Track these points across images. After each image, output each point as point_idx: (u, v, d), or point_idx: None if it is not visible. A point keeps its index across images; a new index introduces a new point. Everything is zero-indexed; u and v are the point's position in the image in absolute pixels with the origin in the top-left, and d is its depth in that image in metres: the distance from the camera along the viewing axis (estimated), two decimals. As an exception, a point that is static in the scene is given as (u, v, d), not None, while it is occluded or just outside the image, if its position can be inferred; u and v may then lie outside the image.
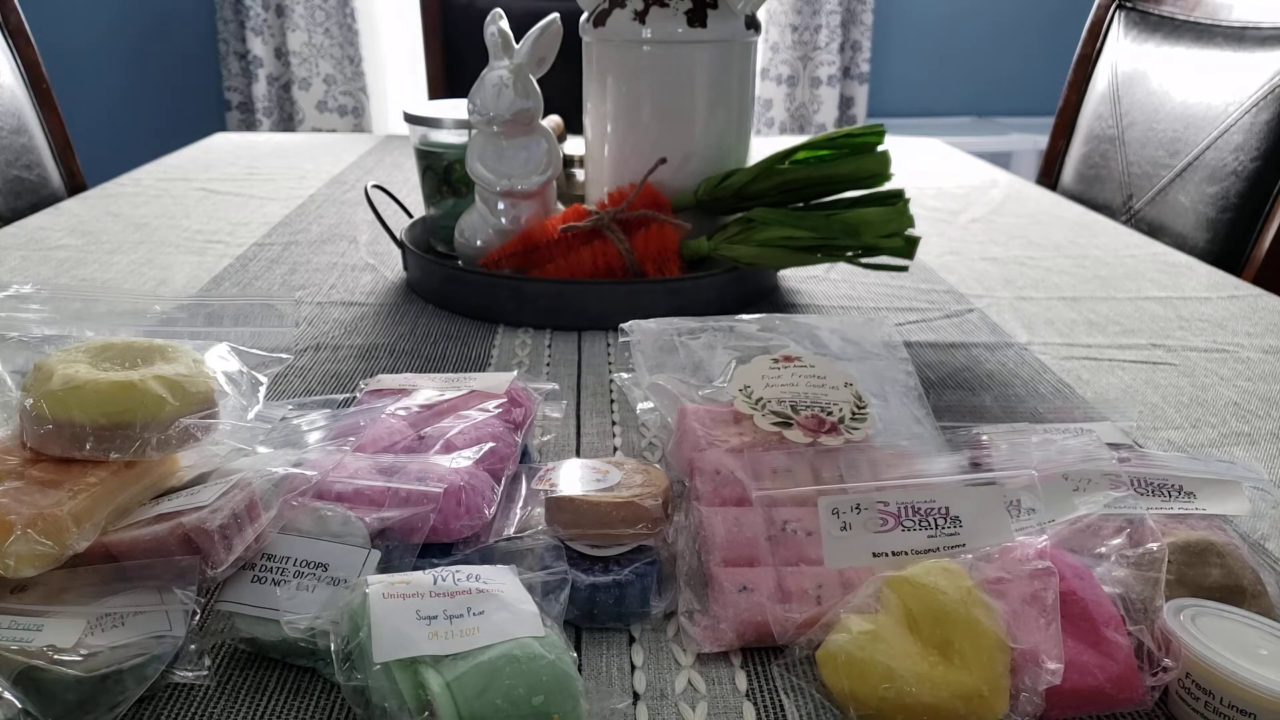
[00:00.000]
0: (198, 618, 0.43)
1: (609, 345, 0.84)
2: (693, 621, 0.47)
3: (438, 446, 0.54)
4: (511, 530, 0.51)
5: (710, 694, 0.44)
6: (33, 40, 1.47)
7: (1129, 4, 1.51)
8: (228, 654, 0.45)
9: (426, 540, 0.47)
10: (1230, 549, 0.47)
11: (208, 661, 0.43)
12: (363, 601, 0.40)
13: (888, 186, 0.87)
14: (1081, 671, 0.42)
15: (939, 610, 0.42)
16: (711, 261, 0.89)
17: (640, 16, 0.87)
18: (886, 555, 0.46)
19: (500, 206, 0.91)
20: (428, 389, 0.61)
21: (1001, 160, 2.59)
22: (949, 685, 0.40)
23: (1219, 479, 0.52)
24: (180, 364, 0.48)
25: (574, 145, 1.07)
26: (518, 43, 0.87)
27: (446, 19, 2.64)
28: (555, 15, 0.87)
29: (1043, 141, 1.94)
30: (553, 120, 0.99)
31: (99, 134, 2.81)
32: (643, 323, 0.65)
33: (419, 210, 1.06)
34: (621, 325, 0.66)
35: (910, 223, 0.85)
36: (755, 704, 0.43)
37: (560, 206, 0.95)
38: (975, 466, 0.54)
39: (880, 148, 0.87)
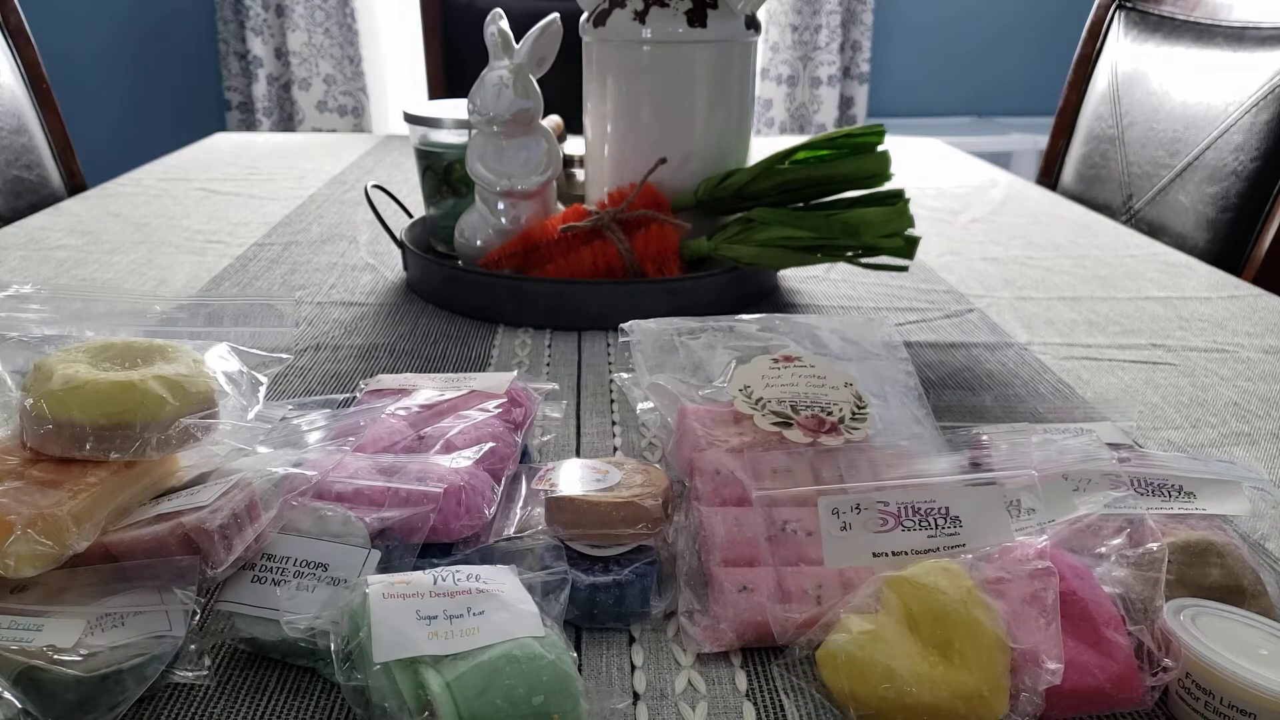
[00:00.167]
0: (198, 618, 0.43)
1: (609, 345, 0.84)
2: (693, 621, 0.47)
3: (438, 446, 0.54)
4: (511, 530, 0.51)
5: (710, 694, 0.44)
6: (33, 40, 1.47)
7: (1129, 4, 1.51)
8: (228, 654, 0.45)
9: (426, 540, 0.47)
10: (1230, 549, 0.47)
11: (208, 661, 0.43)
12: (363, 601, 0.40)
13: (888, 186, 0.87)
14: (1081, 671, 0.42)
15: (939, 610, 0.42)
16: (711, 261, 0.89)
17: (640, 16, 0.87)
18: (886, 555, 0.46)
19: (500, 206, 0.91)
20: (428, 389, 0.61)
21: (1001, 160, 2.59)
22: (949, 685, 0.40)
23: (1219, 479, 0.52)
24: (180, 364, 0.48)
25: (574, 145, 1.07)
26: (518, 43, 0.87)
27: (446, 19, 2.64)
28: (555, 15, 0.87)
29: (1043, 141, 1.94)
30: (553, 120, 0.99)
31: (99, 134, 2.81)
32: (643, 323, 0.65)
33: (419, 210, 1.06)
34: (621, 325, 0.66)
35: (910, 223, 0.85)
36: (755, 704, 0.43)
37: (560, 206, 0.95)
38: (975, 466, 0.54)
39: (880, 148, 0.87)
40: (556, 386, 0.67)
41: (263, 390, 0.53)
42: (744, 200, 0.90)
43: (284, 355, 0.55)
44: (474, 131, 0.90)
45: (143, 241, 1.11)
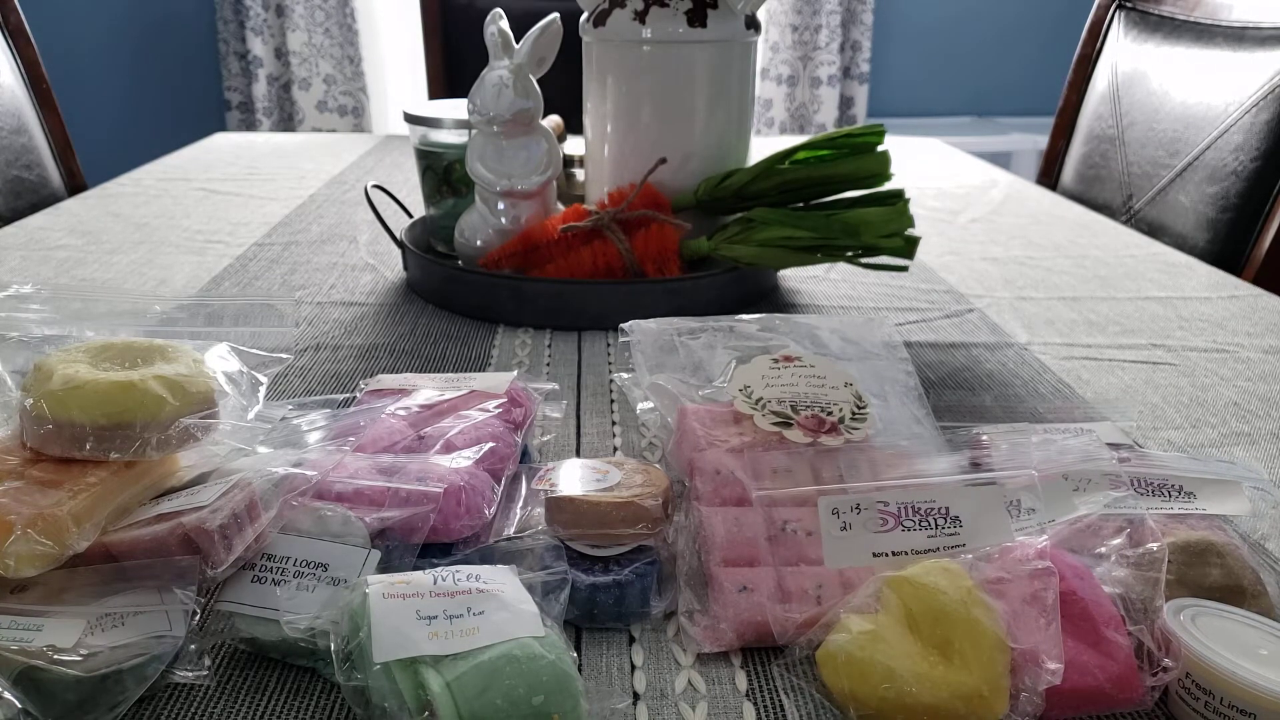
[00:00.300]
0: (198, 618, 0.43)
1: (609, 345, 0.84)
2: (693, 621, 0.47)
3: (438, 446, 0.54)
4: (511, 530, 0.51)
5: (710, 694, 0.44)
6: (33, 40, 1.47)
7: (1129, 4, 1.51)
8: (228, 654, 0.45)
9: (426, 540, 0.47)
10: (1230, 549, 0.47)
11: (208, 661, 0.43)
12: (363, 601, 0.40)
13: (888, 186, 0.87)
14: (1081, 671, 0.42)
15: (939, 610, 0.42)
16: (711, 261, 0.89)
17: (640, 16, 0.87)
18: (886, 555, 0.46)
19: (500, 206, 0.91)
20: (428, 389, 0.61)
21: (1001, 160, 2.59)
22: (949, 685, 0.40)
23: (1219, 479, 0.52)
24: (180, 364, 0.48)
25: (574, 145, 1.07)
26: (518, 43, 0.87)
27: (446, 19, 2.64)
28: (555, 15, 0.87)
29: (1043, 141, 1.94)
30: (553, 120, 0.99)
31: (99, 134, 2.81)
32: (643, 323, 0.65)
33: (419, 210, 1.06)
34: (621, 325, 0.66)
35: (910, 223, 0.85)
36: (755, 704, 0.43)
37: (560, 206, 0.95)
38: (975, 466, 0.54)
39: (880, 148, 0.87)
40: (556, 386, 0.67)
41: (263, 390, 0.53)
42: (744, 200, 0.90)
43: (284, 355, 0.55)
44: (474, 131, 0.90)
45: (143, 241, 1.11)
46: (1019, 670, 0.41)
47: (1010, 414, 0.69)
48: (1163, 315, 0.92)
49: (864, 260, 0.88)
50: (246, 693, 0.43)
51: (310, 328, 0.86)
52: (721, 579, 0.47)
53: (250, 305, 0.61)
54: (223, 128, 2.96)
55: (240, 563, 0.44)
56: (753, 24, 0.91)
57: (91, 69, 2.92)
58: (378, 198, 1.01)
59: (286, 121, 3.00)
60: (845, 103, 3.05)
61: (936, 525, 0.47)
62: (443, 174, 1.00)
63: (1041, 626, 0.42)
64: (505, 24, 0.87)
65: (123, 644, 0.40)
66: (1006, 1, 3.10)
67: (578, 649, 0.47)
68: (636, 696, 0.44)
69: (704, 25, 0.87)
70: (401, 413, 0.58)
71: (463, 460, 0.52)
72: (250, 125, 2.97)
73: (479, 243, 0.92)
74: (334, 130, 2.95)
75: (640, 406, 0.62)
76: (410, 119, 1.00)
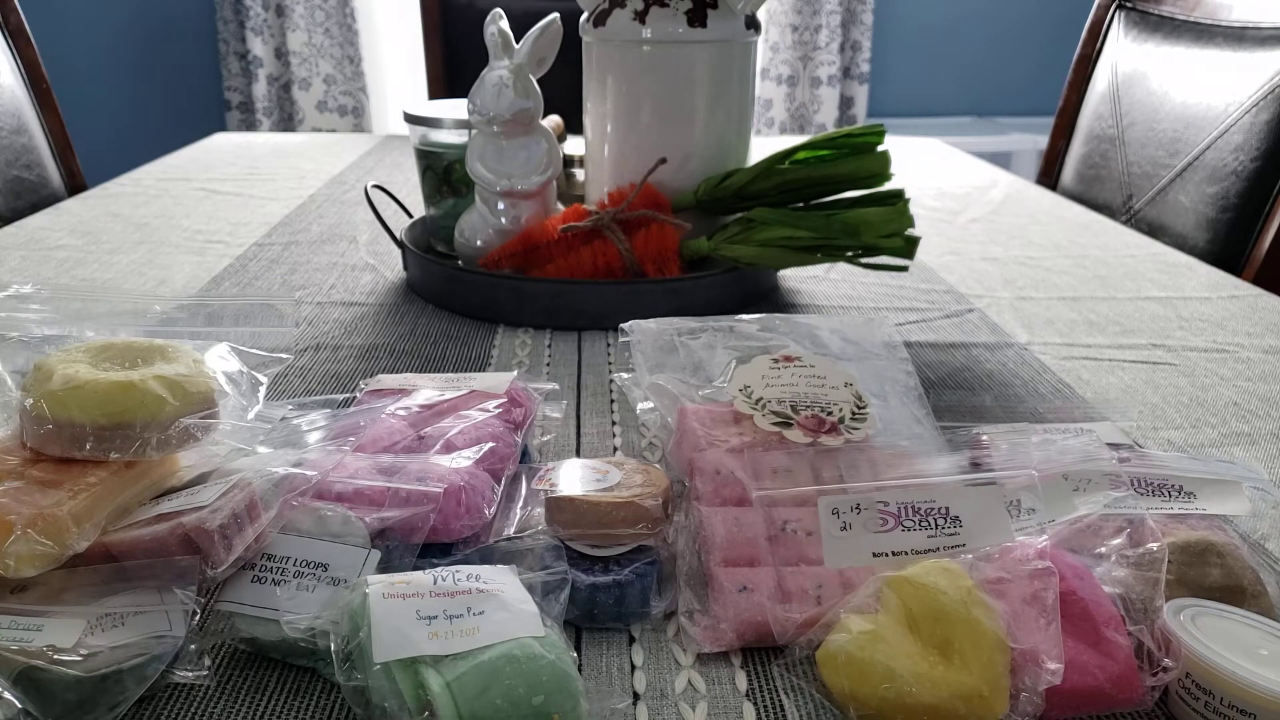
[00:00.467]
0: (198, 618, 0.43)
1: (609, 345, 0.84)
2: (693, 621, 0.47)
3: (438, 446, 0.54)
4: (511, 530, 0.51)
5: (710, 694, 0.44)
6: (33, 40, 1.47)
7: (1129, 4, 1.51)
8: (228, 654, 0.45)
9: (426, 540, 0.47)
10: (1230, 549, 0.47)
11: (208, 661, 0.43)
12: (363, 601, 0.40)
13: (888, 186, 0.87)
14: (1081, 671, 0.42)
15: (939, 610, 0.42)
16: (711, 261, 0.89)
17: (640, 16, 0.87)
18: (886, 555, 0.46)
19: (500, 206, 0.91)
20: (428, 389, 0.61)
21: (1001, 160, 2.59)
22: (949, 685, 0.40)
23: (1219, 479, 0.52)
24: (180, 364, 0.48)
25: (574, 145, 1.07)
26: (518, 43, 0.87)
27: (446, 19, 2.64)
28: (555, 15, 0.87)
29: (1043, 141, 1.94)
30: (553, 120, 0.99)
31: (99, 134, 2.81)
32: (643, 323, 0.65)
33: (419, 210, 1.06)
34: (621, 325, 0.66)
35: (910, 223, 0.85)
36: (755, 704, 0.43)
37: (560, 206, 0.95)
38: (975, 466, 0.54)
39: (880, 148, 0.87)
40: (556, 386, 0.67)
41: (263, 390, 0.53)
42: (744, 200, 0.90)
43: (284, 355, 0.55)
44: (474, 131, 0.90)
45: (143, 241, 1.11)
46: (1019, 670, 0.41)
47: (1010, 414, 0.69)
48: (1163, 315, 0.92)
49: (864, 260, 0.88)
50: (246, 693, 0.43)
51: (310, 328, 0.86)
52: (721, 579, 0.47)
53: (250, 305, 0.61)
54: (223, 128, 2.96)
55: (240, 563, 0.44)
56: (753, 24, 0.91)
57: (91, 69, 2.92)
58: (378, 198, 1.01)
59: (286, 121, 3.00)
60: (845, 103, 3.05)
61: (936, 525, 0.47)
62: (443, 174, 1.00)
63: (1041, 626, 0.42)
64: (505, 24, 0.87)
65: (123, 644, 0.40)
66: (1006, 2, 3.10)
67: (578, 649, 0.47)
68: (636, 696, 0.44)
69: (704, 25, 0.87)
70: (401, 413, 0.58)
71: (463, 460, 0.52)
72: (250, 125, 2.97)
73: (479, 243, 0.92)
74: (334, 130, 2.95)
75: (640, 406, 0.62)
76: (410, 119, 1.00)
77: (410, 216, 1.05)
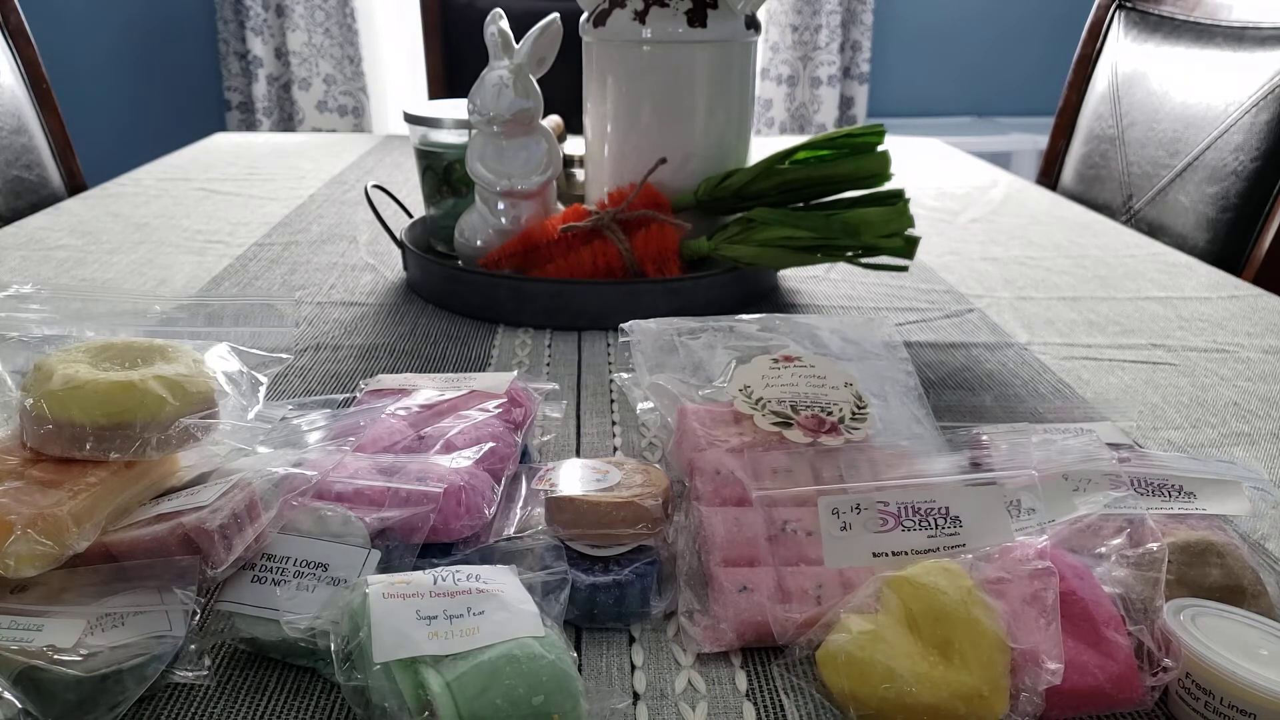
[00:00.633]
0: (198, 618, 0.43)
1: (609, 345, 0.84)
2: (693, 621, 0.47)
3: (438, 446, 0.54)
4: (511, 530, 0.51)
5: (710, 694, 0.44)
6: (33, 40, 1.47)
7: (1129, 4, 1.51)
8: (228, 654, 0.45)
9: (426, 540, 0.47)
10: (1230, 549, 0.47)
11: (208, 661, 0.43)
12: (363, 601, 0.40)
13: (888, 186, 0.87)
14: (1081, 671, 0.42)
15: (939, 610, 0.42)
16: (711, 261, 0.89)
17: (640, 16, 0.87)
18: (886, 555, 0.46)
19: (500, 206, 0.91)
20: (428, 389, 0.61)
21: (1001, 160, 2.59)
22: (949, 685, 0.40)
23: (1219, 479, 0.52)
24: (180, 364, 0.48)
25: (574, 145, 1.07)
26: (518, 43, 0.87)
27: (446, 19, 2.64)
28: (555, 15, 0.87)
29: (1043, 141, 1.94)
30: (553, 120, 0.99)
31: (99, 134, 2.81)
32: (643, 323, 0.65)
33: (419, 210, 1.06)
34: (621, 325, 0.66)
35: (910, 223, 0.85)
36: (755, 704, 0.43)
37: (560, 206, 0.95)
38: (975, 466, 0.54)
39: (880, 148, 0.87)
40: (556, 386, 0.67)
41: (263, 390, 0.53)
42: (744, 200, 0.90)
43: (284, 355, 0.55)
44: (474, 131, 0.90)
45: (143, 241, 1.11)
46: (1019, 670, 0.41)
47: (1010, 414, 0.69)
48: (1163, 315, 0.92)
49: (864, 260, 0.88)
50: (246, 693, 0.43)
51: (310, 328, 0.86)
52: (721, 579, 0.47)
53: (250, 305, 0.61)
54: (223, 128, 2.96)
55: (240, 563, 0.44)
56: (753, 24, 0.91)
57: (91, 69, 2.92)
58: (378, 198, 1.01)
59: (286, 121, 3.00)
60: (845, 103, 3.05)
61: (936, 525, 0.47)
62: (443, 174, 1.00)
63: (1041, 626, 0.42)
64: (505, 24, 0.87)
65: (123, 644, 0.40)
66: (1006, 2, 3.10)
67: (578, 649, 0.47)
68: (636, 696, 0.44)
69: (704, 25, 0.87)
70: (401, 413, 0.58)
71: (463, 460, 0.52)
72: (250, 125, 2.97)
73: (479, 243, 0.92)
74: (334, 130, 2.95)
75: (640, 406, 0.62)
76: (410, 119, 1.00)
77: (410, 216, 1.05)
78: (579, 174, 1.09)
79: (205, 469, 0.48)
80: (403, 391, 0.61)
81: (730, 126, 0.92)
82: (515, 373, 0.64)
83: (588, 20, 0.91)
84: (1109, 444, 0.56)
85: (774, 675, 0.45)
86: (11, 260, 1.03)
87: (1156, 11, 1.45)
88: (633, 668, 0.45)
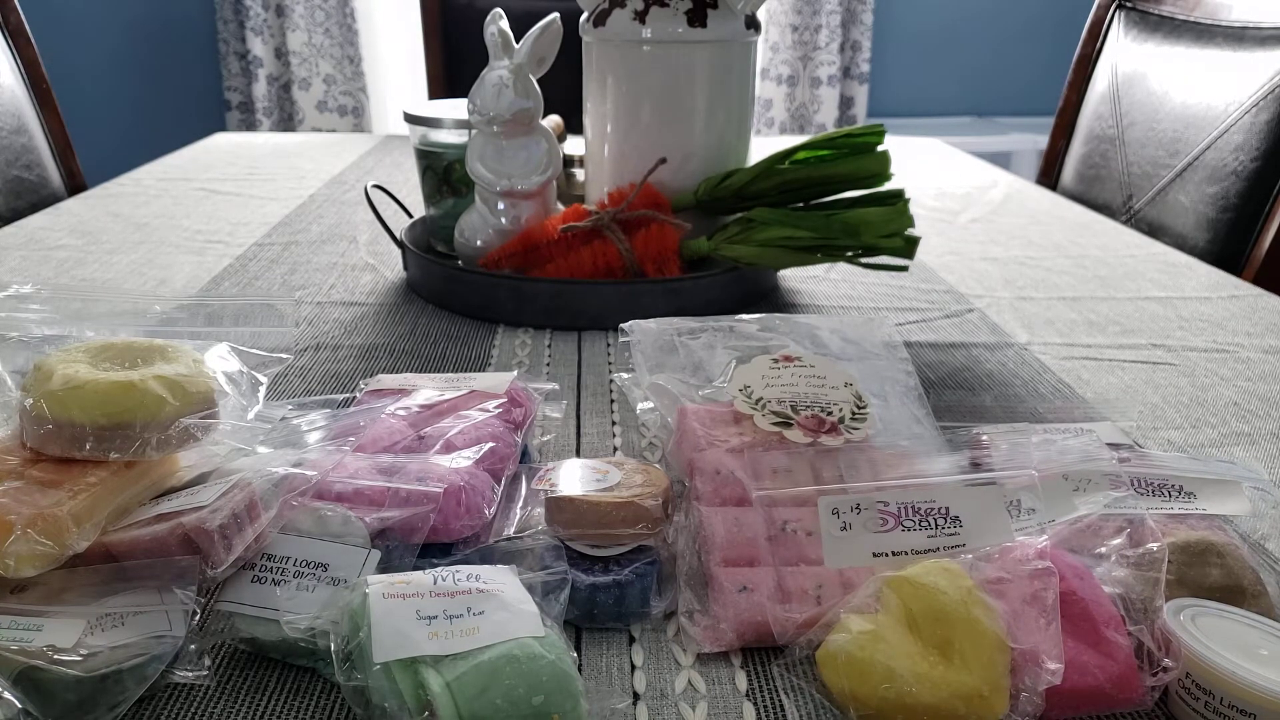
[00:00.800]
0: (198, 618, 0.43)
1: (609, 345, 0.84)
2: (693, 621, 0.47)
3: (438, 446, 0.54)
4: (511, 530, 0.51)
5: (710, 694, 0.44)
6: (33, 40, 1.47)
7: (1129, 4, 1.51)
8: (228, 654, 0.45)
9: (426, 540, 0.47)
10: (1230, 549, 0.47)
11: (208, 661, 0.43)
12: (363, 601, 0.40)
13: (888, 186, 0.87)
14: (1081, 671, 0.42)
15: (939, 610, 0.42)
16: (711, 261, 0.89)
17: (640, 16, 0.87)
18: (886, 555, 0.46)
19: (500, 206, 0.91)
20: (428, 389, 0.61)
21: (1001, 160, 2.59)
22: (949, 685, 0.40)
23: (1219, 479, 0.52)
24: (180, 364, 0.48)
25: (574, 145, 1.07)
26: (518, 43, 0.87)
27: (446, 19, 2.64)
28: (555, 15, 0.87)
29: (1043, 141, 1.94)
30: (553, 120, 0.99)
31: (99, 134, 2.81)
32: (643, 323, 0.65)
33: (419, 210, 1.06)
34: (621, 325, 0.66)
35: (910, 223, 0.85)
36: (755, 704, 0.43)
37: (560, 206, 0.95)
38: (975, 466, 0.54)
39: (880, 148, 0.87)
40: (556, 386, 0.67)
41: (263, 390, 0.53)
42: (744, 200, 0.90)
43: (284, 355, 0.55)
44: (474, 131, 0.90)
45: (143, 241, 1.11)
46: (1019, 670, 0.41)
47: (1010, 414, 0.69)
48: (1163, 315, 0.92)
49: (864, 260, 0.88)
50: (246, 693, 0.43)
51: (310, 328, 0.86)
52: (721, 579, 0.47)
53: (250, 305, 0.61)
54: (223, 128, 2.96)
55: (240, 563, 0.44)
56: (753, 24, 0.91)
57: (91, 69, 2.92)
58: (378, 198, 1.01)
59: (286, 121, 3.00)
60: (845, 103, 3.05)
61: (936, 525, 0.47)
62: (443, 174, 1.00)
63: (1041, 626, 0.42)
64: (505, 24, 0.87)
65: (123, 644, 0.40)
66: (1006, 2, 3.10)
67: (578, 649, 0.47)
68: (636, 696, 0.44)
69: (704, 25, 0.87)
70: (401, 413, 0.58)
71: (463, 460, 0.52)
72: (250, 125, 2.97)
73: (479, 243, 0.92)
74: (334, 130, 2.95)
75: (640, 406, 0.62)
76: (410, 119, 1.00)
77: (410, 216, 1.05)
78: (579, 174, 1.09)
79: (205, 469, 0.48)
80: (403, 391, 0.61)
81: (730, 126, 0.92)
82: (515, 373, 0.64)
83: (588, 20, 0.91)
84: (1109, 444, 0.56)
85: (774, 675, 0.45)
86: (11, 260, 1.03)
87: (1156, 11, 1.45)
88: (633, 668, 0.45)
